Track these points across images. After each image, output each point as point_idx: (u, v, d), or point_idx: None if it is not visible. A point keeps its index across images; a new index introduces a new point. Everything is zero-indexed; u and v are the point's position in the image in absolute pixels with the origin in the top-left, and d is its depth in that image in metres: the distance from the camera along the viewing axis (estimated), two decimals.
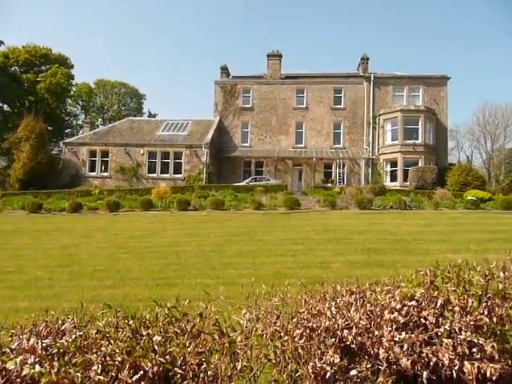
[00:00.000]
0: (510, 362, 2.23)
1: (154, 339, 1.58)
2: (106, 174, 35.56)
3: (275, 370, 1.68)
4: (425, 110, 35.65)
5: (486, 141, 62.97)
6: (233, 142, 38.71)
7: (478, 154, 65.23)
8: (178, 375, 1.50)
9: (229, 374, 1.55)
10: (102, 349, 1.54)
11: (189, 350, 1.62)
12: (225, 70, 41.21)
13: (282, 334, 1.79)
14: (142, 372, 1.44)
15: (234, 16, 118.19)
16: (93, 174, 35.62)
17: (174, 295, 2.22)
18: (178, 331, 1.69)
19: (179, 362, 1.57)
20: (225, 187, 30.09)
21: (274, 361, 1.69)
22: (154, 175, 35.16)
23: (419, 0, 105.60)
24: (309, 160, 36.90)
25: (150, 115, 65.26)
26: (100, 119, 66.16)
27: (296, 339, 1.77)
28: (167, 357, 1.53)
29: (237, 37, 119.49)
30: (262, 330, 1.78)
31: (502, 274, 2.70)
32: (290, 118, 38.66)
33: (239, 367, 1.60)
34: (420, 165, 34.10)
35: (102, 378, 1.39)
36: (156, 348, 1.56)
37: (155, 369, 1.46)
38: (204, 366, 1.57)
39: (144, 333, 1.63)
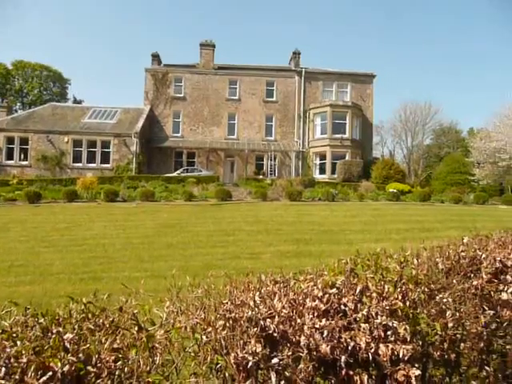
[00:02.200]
0: (420, 342, 2.38)
1: (65, 337, 1.48)
2: (25, 162, 33.22)
3: (194, 363, 1.65)
4: (352, 105, 37.16)
5: (406, 137, 67.06)
6: (164, 131, 37.84)
7: (400, 149, 69.35)
8: (92, 374, 1.42)
9: (147, 369, 1.50)
10: (7, 350, 1.42)
11: (105, 346, 1.54)
12: (156, 58, 40.00)
13: (204, 326, 1.76)
14: (50, 373, 1.34)
15: (165, 3, 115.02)
16: (10, 162, 33.13)
17: (98, 290, 2.10)
18: (94, 327, 1.61)
19: (94, 360, 1.48)
20: (155, 178, 29.40)
21: (193, 354, 1.66)
22: (80, 165, 33.46)
23: None
24: (241, 152, 37.09)
25: (76, 101, 61.79)
26: (19, 104, 61.52)
27: (219, 330, 1.76)
28: (80, 355, 1.44)
29: (169, 25, 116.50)
30: (184, 323, 1.75)
31: (415, 261, 2.89)
32: (223, 109, 38.52)
33: (158, 362, 1.55)
34: (347, 158, 35.57)
35: (3, 381, 1.28)
36: (68, 346, 1.46)
37: (66, 368, 1.37)
38: (120, 362, 1.50)
39: (55, 330, 1.52)
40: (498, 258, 3.12)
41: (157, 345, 1.58)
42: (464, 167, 42.88)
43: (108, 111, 36.82)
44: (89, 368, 1.41)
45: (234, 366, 1.67)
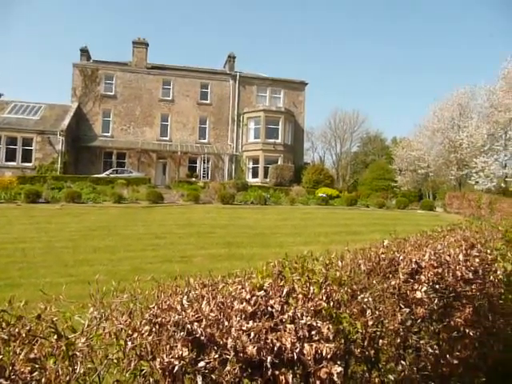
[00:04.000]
0: (343, 340, 2.49)
1: None
2: None
3: (116, 370, 1.61)
4: (285, 111, 38.03)
5: (336, 144, 69.99)
6: (93, 130, 36.28)
7: (329, 156, 72.23)
8: None
9: (67, 378, 1.44)
10: None
11: (20, 357, 1.45)
12: (85, 53, 38.28)
13: (129, 332, 1.72)
14: None
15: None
16: None
17: (16, 297, 1.98)
18: (8, 337, 1.51)
19: (7, 372, 1.39)
20: (82, 179, 28.10)
21: (115, 360, 1.61)
22: None
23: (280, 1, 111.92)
24: (174, 153, 36.53)
25: None
26: None
27: (144, 336, 1.72)
28: None
29: (99, 23, 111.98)
30: (108, 329, 1.69)
31: (339, 263, 3.01)
32: (156, 110, 37.73)
33: (79, 370, 1.49)
34: (279, 163, 36.31)
35: None
36: None
37: None
38: (37, 372, 1.42)
39: None
40: (414, 260, 3.35)
41: (77, 353, 1.51)
42: (388, 174, 45.56)
43: (31, 107, 34.59)
44: (1, 381, 1.32)
45: (160, 371, 1.65)
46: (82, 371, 1.55)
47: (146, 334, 1.73)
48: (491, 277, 4.24)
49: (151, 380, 1.60)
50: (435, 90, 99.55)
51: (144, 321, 1.77)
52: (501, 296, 4.46)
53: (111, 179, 28.83)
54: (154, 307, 1.86)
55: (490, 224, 6.24)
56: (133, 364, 1.58)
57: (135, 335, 1.73)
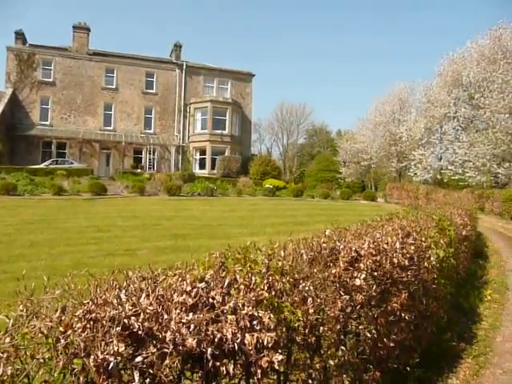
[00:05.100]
0: (284, 329, 2.52)
1: None
2: None
3: (44, 370, 1.53)
4: (232, 102, 37.88)
5: (283, 135, 70.85)
6: (30, 118, 34.30)
7: (277, 147, 72.99)
8: None
9: None
10: None
11: None
12: (20, 36, 35.95)
13: (61, 329, 1.64)
14: None
15: None
16: None
17: None
18: None
19: None
20: (18, 169, 26.58)
21: (42, 360, 1.53)
22: None
23: None
24: (118, 144, 35.40)
25: None
26: None
27: (78, 333, 1.65)
28: None
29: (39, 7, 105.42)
30: (38, 327, 1.60)
31: (282, 253, 3.04)
32: (98, 98, 36.28)
33: (3, 372, 1.40)
34: (226, 154, 36.20)
35: None
36: None
37: None
38: None
39: None
40: (354, 248, 3.45)
41: (0, 354, 1.42)
42: (332, 165, 46.83)
43: None
44: None
45: (94, 369, 1.59)
46: (9, 373, 1.46)
47: (80, 330, 1.65)
48: (425, 263, 4.47)
49: (81, 378, 1.54)
50: (378, 84, 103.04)
51: (77, 317, 1.69)
52: (434, 281, 4.73)
53: (50, 170, 27.51)
54: (88, 302, 1.78)
55: (425, 213, 6.58)
56: (61, 363, 1.51)
57: (68, 332, 1.65)
